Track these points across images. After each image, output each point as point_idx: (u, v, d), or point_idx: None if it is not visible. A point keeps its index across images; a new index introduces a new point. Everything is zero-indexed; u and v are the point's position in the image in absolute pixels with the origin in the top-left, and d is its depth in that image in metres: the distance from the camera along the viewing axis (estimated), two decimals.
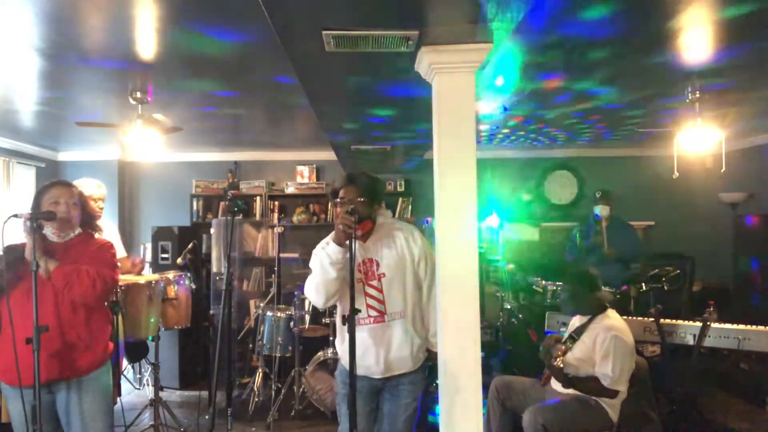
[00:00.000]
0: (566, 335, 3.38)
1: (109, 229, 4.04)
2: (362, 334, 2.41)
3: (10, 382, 2.36)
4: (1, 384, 2.48)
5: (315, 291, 2.44)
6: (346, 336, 2.45)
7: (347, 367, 2.48)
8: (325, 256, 2.36)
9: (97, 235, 2.67)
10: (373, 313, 2.48)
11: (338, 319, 2.58)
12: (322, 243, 2.57)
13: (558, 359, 3.15)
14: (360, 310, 2.40)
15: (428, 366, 2.67)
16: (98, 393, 2.51)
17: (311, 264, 2.55)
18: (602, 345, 3.06)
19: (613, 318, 3.24)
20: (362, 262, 2.49)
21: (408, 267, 2.53)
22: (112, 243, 2.70)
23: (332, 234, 2.57)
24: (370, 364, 2.45)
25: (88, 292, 2.37)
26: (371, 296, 2.49)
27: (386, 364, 2.47)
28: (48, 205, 2.42)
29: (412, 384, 2.54)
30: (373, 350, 2.46)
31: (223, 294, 2.51)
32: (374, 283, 2.48)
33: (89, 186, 3.89)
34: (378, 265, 2.49)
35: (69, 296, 2.38)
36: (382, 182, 2.67)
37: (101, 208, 3.92)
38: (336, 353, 2.75)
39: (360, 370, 2.41)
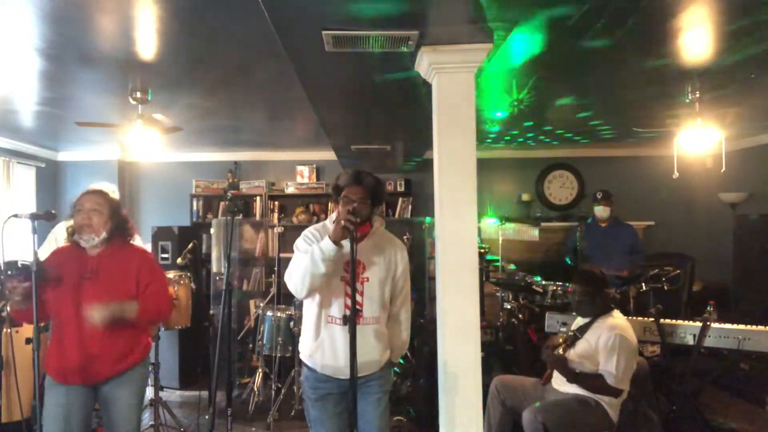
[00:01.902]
0: (569, 333, 3.38)
1: None
2: (334, 334, 2.38)
3: (57, 379, 2.47)
4: (47, 378, 2.56)
5: (300, 281, 2.38)
6: (320, 332, 2.43)
7: (316, 368, 2.45)
8: (318, 250, 2.30)
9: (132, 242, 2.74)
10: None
11: (307, 315, 2.52)
12: (313, 230, 2.52)
13: (559, 348, 3.14)
14: (360, 310, 2.39)
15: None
16: (136, 385, 2.61)
17: (297, 246, 2.49)
18: (606, 344, 3.06)
19: (617, 317, 3.24)
20: (348, 261, 2.47)
21: (389, 279, 2.51)
22: (149, 252, 2.80)
23: (323, 224, 2.55)
24: (340, 366, 2.38)
25: (166, 314, 2.76)
26: (350, 297, 2.46)
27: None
28: (75, 213, 2.51)
29: (381, 378, 2.51)
30: (343, 351, 2.40)
31: (223, 294, 2.51)
32: (356, 285, 2.46)
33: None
34: (364, 268, 2.47)
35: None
36: (384, 183, 2.62)
37: None
38: None
39: (327, 371, 2.40)
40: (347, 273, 2.41)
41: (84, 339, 2.40)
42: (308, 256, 2.34)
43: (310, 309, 2.53)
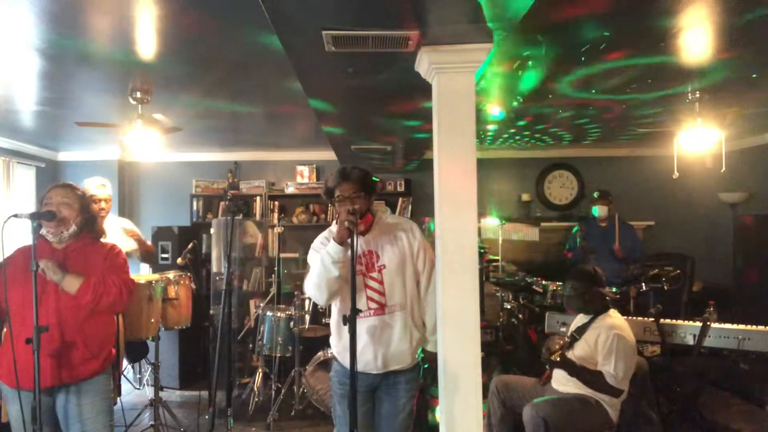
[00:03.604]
0: (567, 335, 3.39)
1: (114, 225, 4.06)
2: (361, 328, 2.38)
3: (12, 384, 2.34)
4: (1, 385, 2.47)
5: (317, 289, 2.42)
6: (344, 334, 2.43)
7: (345, 365, 2.47)
8: (327, 255, 2.34)
9: (103, 239, 2.66)
10: (373, 305, 2.47)
11: (334, 316, 2.56)
12: (321, 239, 2.55)
13: (555, 354, 3.15)
14: (361, 310, 2.39)
15: (424, 368, 2.65)
16: (98, 396, 2.49)
17: (309, 259, 2.52)
18: (604, 344, 3.07)
19: (614, 317, 3.24)
20: (362, 254, 2.48)
21: (408, 260, 2.52)
22: (118, 247, 2.68)
23: (330, 230, 2.57)
24: (368, 359, 2.43)
25: (117, 301, 2.43)
26: (372, 288, 2.47)
27: (385, 359, 2.45)
28: (43, 207, 2.44)
29: (409, 383, 2.53)
30: (371, 345, 2.44)
31: (223, 294, 2.50)
32: (374, 275, 2.47)
33: (91, 185, 3.87)
34: (378, 257, 2.49)
35: (97, 308, 2.40)
36: (373, 174, 2.63)
37: (102, 209, 3.89)
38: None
39: (357, 366, 2.41)
40: (361, 265, 2.44)
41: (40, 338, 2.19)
42: (319, 264, 2.37)
43: (333, 306, 2.57)
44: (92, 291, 2.36)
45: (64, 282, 2.33)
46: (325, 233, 2.58)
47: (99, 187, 3.89)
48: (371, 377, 2.49)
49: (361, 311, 2.37)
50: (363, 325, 2.41)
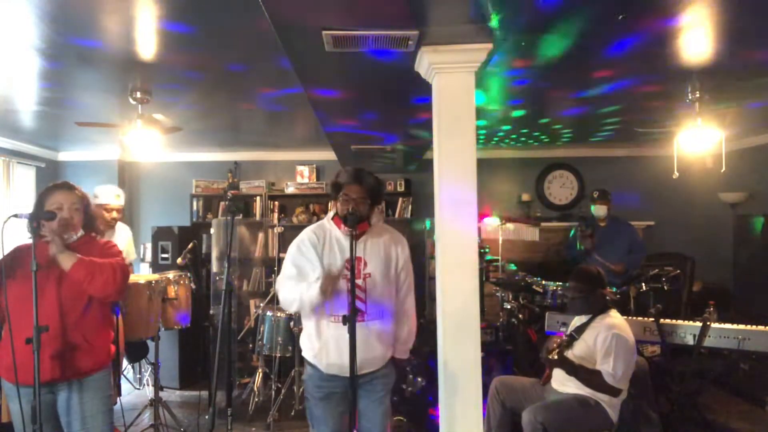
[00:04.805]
0: (566, 334, 3.39)
1: (122, 234, 4.12)
2: (338, 332, 2.36)
3: (12, 381, 2.34)
4: (3, 383, 2.47)
5: (290, 306, 2.49)
6: (324, 332, 2.43)
7: (321, 368, 2.46)
8: (307, 297, 2.35)
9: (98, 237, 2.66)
10: None
11: (311, 317, 2.52)
12: (309, 234, 2.52)
13: (553, 353, 3.15)
14: (361, 311, 2.39)
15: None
16: (98, 394, 2.49)
17: (289, 254, 2.52)
18: (604, 344, 3.06)
19: (614, 317, 3.24)
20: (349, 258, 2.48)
21: (392, 272, 2.53)
22: (114, 243, 2.68)
23: (320, 224, 2.56)
24: (343, 363, 2.36)
25: (109, 283, 2.37)
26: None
27: (360, 362, 2.42)
28: (55, 210, 2.42)
29: (385, 377, 2.54)
30: (346, 350, 2.41)
31: (223, 294, 2.50)
32: (359, 282, 2.46)
33: (107, 195, 3.97)
34: (365, 264, 2.48)
35: (90, 290, 2.36)
36: (384, 183, 2.65)
37: (114, 218, 4.02)
38: None
39: (333, 369, 2.40)
40: (346, 270, 2.42)
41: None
42: (297, 295, 2.39)
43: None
44: (86, 268, 2.32)
45: (62, 256, 2.31)
46: (314, 227, 2.55)
47: (117, 197, 4.01)
48: (347, 379, 2.45)
49: (360, 311, 2.36)
50: (340, 329, 2.37)
